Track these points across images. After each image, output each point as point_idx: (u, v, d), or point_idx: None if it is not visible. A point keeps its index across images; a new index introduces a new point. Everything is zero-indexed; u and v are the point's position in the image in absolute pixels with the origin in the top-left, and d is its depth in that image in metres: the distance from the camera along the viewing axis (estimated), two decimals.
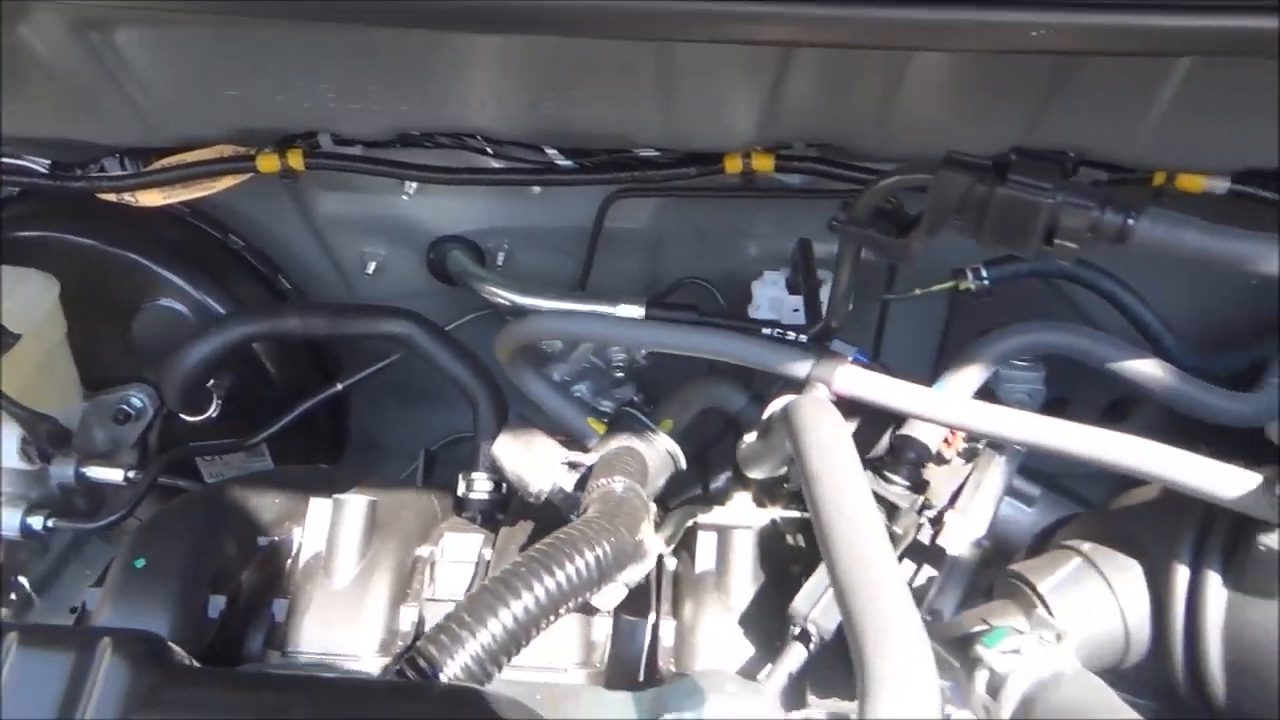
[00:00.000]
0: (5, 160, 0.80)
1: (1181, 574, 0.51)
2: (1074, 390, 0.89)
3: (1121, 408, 0.95)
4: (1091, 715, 0.43)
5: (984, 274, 0.84)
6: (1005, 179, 0.54)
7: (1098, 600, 0.53)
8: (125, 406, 0.94)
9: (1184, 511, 0.52)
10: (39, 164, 0.83)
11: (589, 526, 0.54)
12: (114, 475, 0.92)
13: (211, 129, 0.77)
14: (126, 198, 0.85)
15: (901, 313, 0.99)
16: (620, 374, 1.05)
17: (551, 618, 0.50)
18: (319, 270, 1.05)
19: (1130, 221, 0.52)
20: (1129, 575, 0.53)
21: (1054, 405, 0.88)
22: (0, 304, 0.83)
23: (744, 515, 0.74)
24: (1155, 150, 0.69)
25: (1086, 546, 0.55)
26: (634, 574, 0.62)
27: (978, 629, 0.51)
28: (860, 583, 0.44)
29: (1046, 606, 0.53)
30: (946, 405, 0.59)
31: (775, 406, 0.61)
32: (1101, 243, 0.53)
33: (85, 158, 0.83)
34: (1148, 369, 0.63)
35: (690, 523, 0.76)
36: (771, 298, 0.98)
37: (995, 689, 0.47)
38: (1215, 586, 0.50)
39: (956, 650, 0.51)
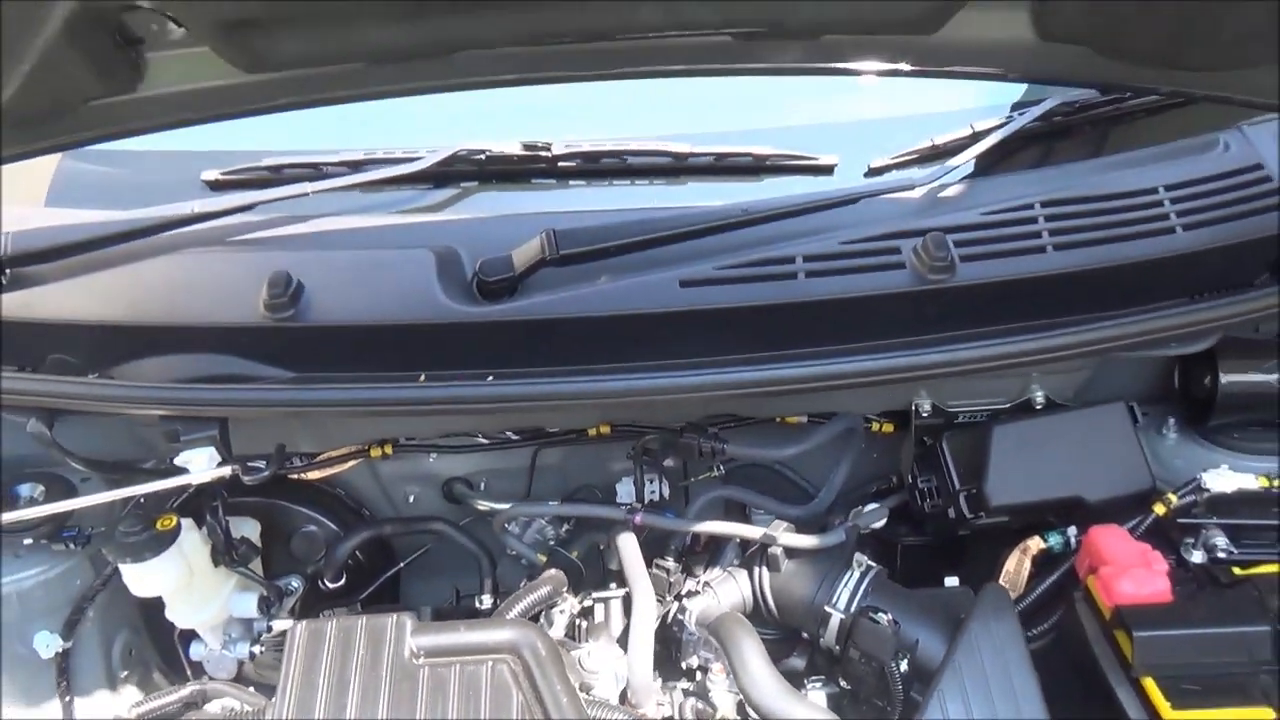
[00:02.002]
0: (248, 464, 1.73)
1: (756, 572, 1.46)
2: None
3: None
4: (715, 614, 1.36)
5: (721, 467, 1.82)
6: (681, 434, 1.54)
7: (733, 589, 1.48)
8: (288, 586, 1.83)
9: (761, 548, 1.49)
10: (259, 463, 1.77)
11: (539, 582, 1.48)
12: (287, 624, 1.79)
13: (350, 441, 1.73)
14: (301, 476, 1.79)
15: (701, 489, 1.96)
16: (552, 541, 1.99)
17: (534, 611, 1.42)
18: (381, 502, 1.97)
19: (724, 446, 1.52)
20: (741, 577, 1.48)
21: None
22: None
23: (614, 591, 1.67)
24: (767, 410, 1.70)
25: (731, 569, 1.51)
26: (563, 609, 1.54)
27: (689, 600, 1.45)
28: (633, 578, 1.39)
29: (714, 590, 1.47)
30: (680, 524, 1.56)
31: (612, 535, 1.57)
32: (717, 455, 1.53)
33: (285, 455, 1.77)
34: (763, 501, 1.62)
35: (590, 600, 1.69)
36: (627, 491, 1.94)
37: (693, 616, 1.41)
38: (767, 573, 1.45)
39: (683, 608, 1.45)
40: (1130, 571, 1.39)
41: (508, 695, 1.24)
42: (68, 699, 1.64)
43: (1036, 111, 1.65)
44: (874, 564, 1.44)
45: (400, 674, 1.25)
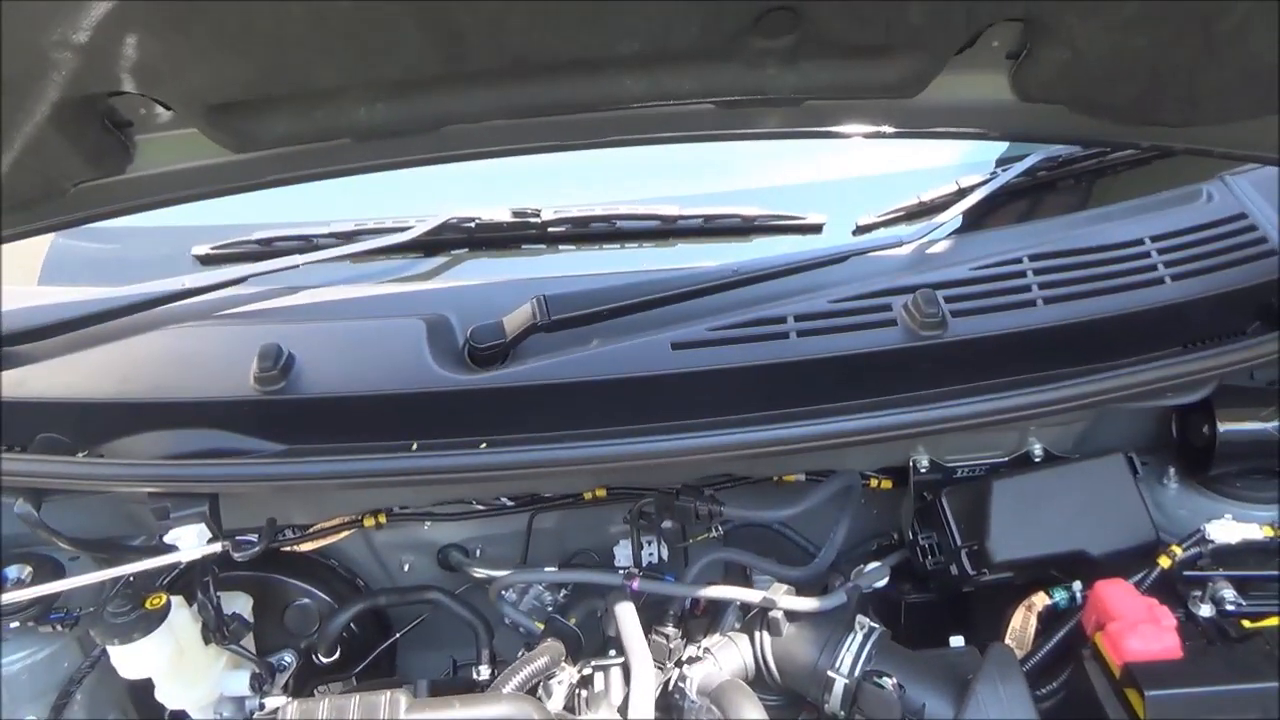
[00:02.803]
0: (238, 538, 1.71)
1: (758, 636, 1.44)
2: None
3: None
4: (716, 681, 1.34)
5: (720, 528, 1.81)
6: (679, 497, 1.53)
7: (734, 655, 1.45)
8: (281, 661, 1.80)
9: (761, 612, 1.46)
10: (251, 537, 1.75)
11: (538, 652, 1.45)
12: (281, 700, 1.75)
13: (343, 511, 1.72)
14: (294, 548, 1.77)
15: (699, 551, 1.94)
16: (550, 608, 1.96)
17: (531, 682, 1.39)
18: (376, 572, 1.95)
19: (720, 508, 1.51)
20: (742, 642, 1.46)
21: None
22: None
23: (613, 659, 1.65)
24: (763, 470, 1.69)
25: (732, 634, 1.48)
26: (562, 679, 1.51)
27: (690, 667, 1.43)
28: (631, 647, 1.37)
29: (715, 656, 1.44)
30: (677, 589, 1.54)
31: (609, 602, 1.55)
32: (715, 517, 1.51)
33: (276, 529, 1.75)
34: (763, 563, 1.60)
35: (589, 669, 1.66)
36: (626, 554, 1.93)
37: (694, 683, 1.38)
38: (769, 638, 1.43)
39: (684, 676, 1.43)
40: (1138, 628, 1.36)
41: None
42: None
43: (1021, 167, 1.67)
44: (876, 625, 1.42)
45: None
